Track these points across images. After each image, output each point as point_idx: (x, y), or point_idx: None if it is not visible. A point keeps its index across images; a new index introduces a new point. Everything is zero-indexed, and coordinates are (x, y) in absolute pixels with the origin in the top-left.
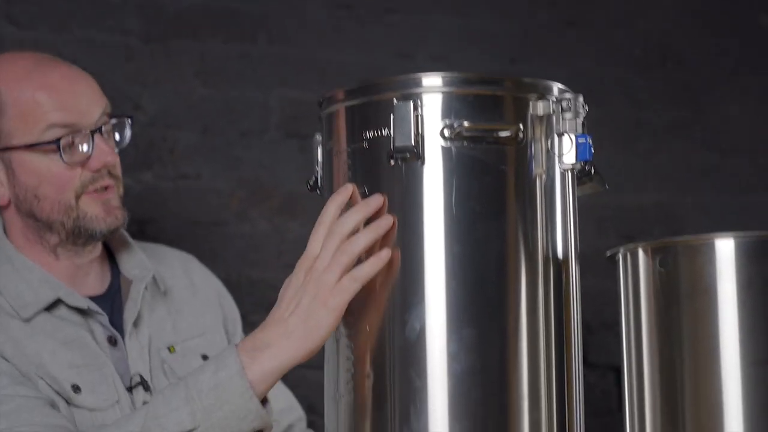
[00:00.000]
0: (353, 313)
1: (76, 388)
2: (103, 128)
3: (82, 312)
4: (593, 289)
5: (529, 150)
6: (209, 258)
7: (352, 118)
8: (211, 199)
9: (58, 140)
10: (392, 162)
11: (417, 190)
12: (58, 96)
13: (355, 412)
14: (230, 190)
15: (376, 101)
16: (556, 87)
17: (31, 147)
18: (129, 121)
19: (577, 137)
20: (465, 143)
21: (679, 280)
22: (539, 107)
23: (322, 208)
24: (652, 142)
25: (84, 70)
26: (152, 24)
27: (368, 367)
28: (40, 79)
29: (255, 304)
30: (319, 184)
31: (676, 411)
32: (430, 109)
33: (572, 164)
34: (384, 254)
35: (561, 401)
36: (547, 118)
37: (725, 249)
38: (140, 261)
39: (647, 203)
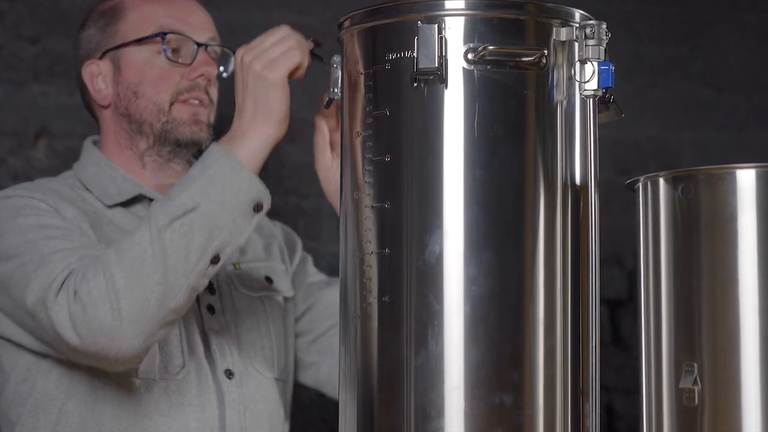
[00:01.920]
0: (372, 236)
1: None
2: (209, 49)
3: None
4: None
5: (551, 75)
6: None
7: (373, 39)
8: None
9: (164, 34)
10: (414, 84)
11: (439, 112)
12: (174, 9)
13: (372, 333)
14: (230, 114)
15: (399, 23)
16: (578, 13)
17: (139, 41)
18: (234, 55)
19: (599, 64)
20: (488, 67)
21: (700, 208)
22: (562, 33)
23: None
24: (650, 77)
25: None
26: None
27: (386, 290)
28: None
29: None
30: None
31: (692, 340)
32: (454, 32)
33: (594, 91)
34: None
35: (576, 328)
36: (569, 44)
37: (747, 179)
38: None
39: (643, 138)
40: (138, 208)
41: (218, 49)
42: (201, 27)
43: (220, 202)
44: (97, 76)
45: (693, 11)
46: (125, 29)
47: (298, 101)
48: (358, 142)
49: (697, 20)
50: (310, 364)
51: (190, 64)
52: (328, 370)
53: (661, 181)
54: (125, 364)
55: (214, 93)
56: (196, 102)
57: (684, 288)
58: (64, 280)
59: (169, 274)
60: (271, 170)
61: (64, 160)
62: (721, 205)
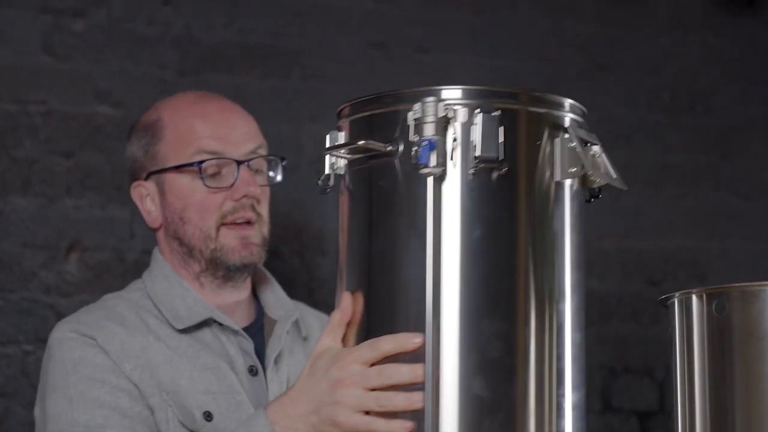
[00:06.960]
0: None
1: (208, 415)
2: (251, 162)
3: (230, 335)
4: (617, 334)
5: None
6: None
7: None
8: None
9: (201, 162)
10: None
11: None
12: (212, 125)
13: None
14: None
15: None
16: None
17: (179, 168)
18: (282, 161)
19: (420, 141)
20: None
21: (733, 326)
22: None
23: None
24: (679, 187)
25: (120, 101)
26: (188, 58)
27: None
28: (199, 109)
29: None
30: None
31: None
32: None
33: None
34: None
35: None
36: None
37: None
38: (285, 303)
39: (672, 248)
40: (204, 333)
41: (264, 160)
42: (243, 139)
43: None
44: (146, 197)
45: (721, 121)
46: (165, 151)
47: (330, 213)
48: None
49: (725, 129)
50: None
51: (232, 185)
52: None
53: (694, 297)
54: None
55: (263, 208)
56: (243, 222)
57: (718, 404)
58: None
59: None
60: (301, 283)
61: (96, 273)
62: (754, 322)
